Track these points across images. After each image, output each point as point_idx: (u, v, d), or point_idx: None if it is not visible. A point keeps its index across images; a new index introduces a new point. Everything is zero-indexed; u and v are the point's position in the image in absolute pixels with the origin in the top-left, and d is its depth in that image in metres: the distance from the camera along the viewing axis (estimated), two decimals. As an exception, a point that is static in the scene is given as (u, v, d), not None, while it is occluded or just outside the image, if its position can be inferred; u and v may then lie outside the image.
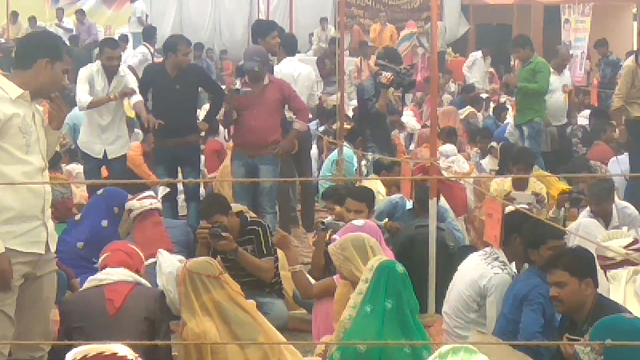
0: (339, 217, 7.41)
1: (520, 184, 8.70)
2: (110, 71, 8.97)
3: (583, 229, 7.04)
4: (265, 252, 6.70)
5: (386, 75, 9.44)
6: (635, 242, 6.00)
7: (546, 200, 8.58)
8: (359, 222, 6.19)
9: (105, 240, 6.22)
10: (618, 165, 10.25)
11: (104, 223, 7.10)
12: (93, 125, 9.10)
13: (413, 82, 11.31)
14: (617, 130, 11.45)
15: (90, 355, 3.70)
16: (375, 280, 4.83)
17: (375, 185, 9.19)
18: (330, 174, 10.24)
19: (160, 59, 16.07)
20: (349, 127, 11.61)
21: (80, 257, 6.37)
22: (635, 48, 16.04)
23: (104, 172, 9.22)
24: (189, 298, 5.32)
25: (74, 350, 3.78)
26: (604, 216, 7.61)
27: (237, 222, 6.79)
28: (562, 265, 4.84)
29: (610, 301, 5.03)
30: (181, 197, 9.52)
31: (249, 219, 6.90)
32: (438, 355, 3.51)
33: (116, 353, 3.72)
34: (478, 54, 19.71)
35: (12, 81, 4.74)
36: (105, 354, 3.71)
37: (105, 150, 9.07)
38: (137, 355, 3.81)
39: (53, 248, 4.93)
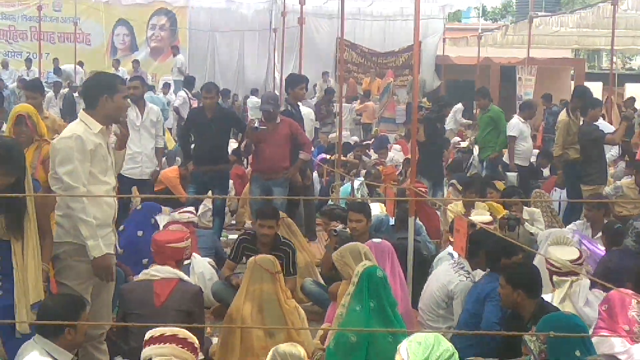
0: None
1: (468, 205, 8.46)
2: (133, 100, 8.18)
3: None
4: (292, 272, 6.50)
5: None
6: (579, 257, 5.91)
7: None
8: (377, 240, 6.06)
9: (140, 248, 6.04)
10: (559, 194, 10.22)
11: (139, 233, 6.99)
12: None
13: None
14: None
15: (166, 334, 3.71)
16: (359, 284, 4.79)
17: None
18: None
19: (195, 102, 16.15)
20: (344, 158, 11.50)
21: (121, 261, 6.29)
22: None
23: (135, 191, 8.61)
24: (245, 282, 5.31)
25: (154, 330, 3.77)
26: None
27: (275, 235, 6.63)
28: (503, 274, 4.96)
29: (549, 304, 5.03)
30: (209, 213, 9.44)
31: (281, 238, 6.73)
32: (413, 340, 3.45)
33: (187, 338, 3.72)
34: (459, 106, 18.42)
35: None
36: (179, 336, 3.71)
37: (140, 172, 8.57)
38: (199, 345, 3.77)
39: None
